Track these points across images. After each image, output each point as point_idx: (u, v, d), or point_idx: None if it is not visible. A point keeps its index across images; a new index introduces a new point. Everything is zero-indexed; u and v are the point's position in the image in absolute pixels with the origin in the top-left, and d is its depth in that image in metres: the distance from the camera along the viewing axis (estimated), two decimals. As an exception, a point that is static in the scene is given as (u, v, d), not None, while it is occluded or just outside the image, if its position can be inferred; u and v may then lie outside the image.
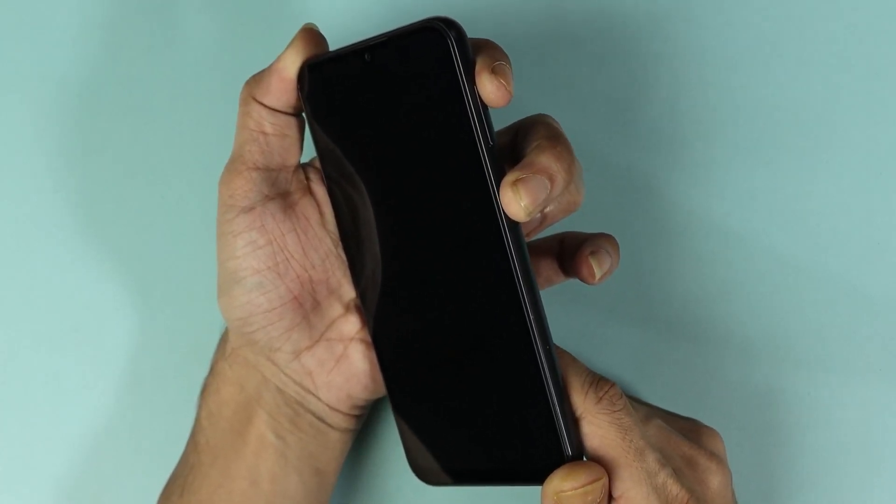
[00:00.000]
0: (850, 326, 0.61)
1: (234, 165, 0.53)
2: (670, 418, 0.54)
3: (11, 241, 0.67)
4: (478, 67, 0.47)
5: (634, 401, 0.53)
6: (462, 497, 0.61)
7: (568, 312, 0.62)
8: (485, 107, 0.48)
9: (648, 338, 0.62)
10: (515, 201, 0.47)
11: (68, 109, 0.67)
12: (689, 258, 0.62)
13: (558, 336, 0.50)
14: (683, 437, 0.52)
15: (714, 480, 0.51)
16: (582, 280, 0.55)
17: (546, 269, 0.57)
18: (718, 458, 0.52)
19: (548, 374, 0.48)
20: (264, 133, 0.53)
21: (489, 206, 0.48)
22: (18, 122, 0.67)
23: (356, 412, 0.58)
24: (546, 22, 0.55)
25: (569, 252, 0.56)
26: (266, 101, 0.52)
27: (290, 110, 0.53)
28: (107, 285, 0.67)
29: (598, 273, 0.55)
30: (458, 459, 0.52)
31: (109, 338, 0.66)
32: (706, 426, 0.54)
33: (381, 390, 0.57)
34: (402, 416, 0.54)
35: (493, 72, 0.47)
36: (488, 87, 0.47)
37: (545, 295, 0.51)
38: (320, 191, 0.55)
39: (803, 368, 0.61)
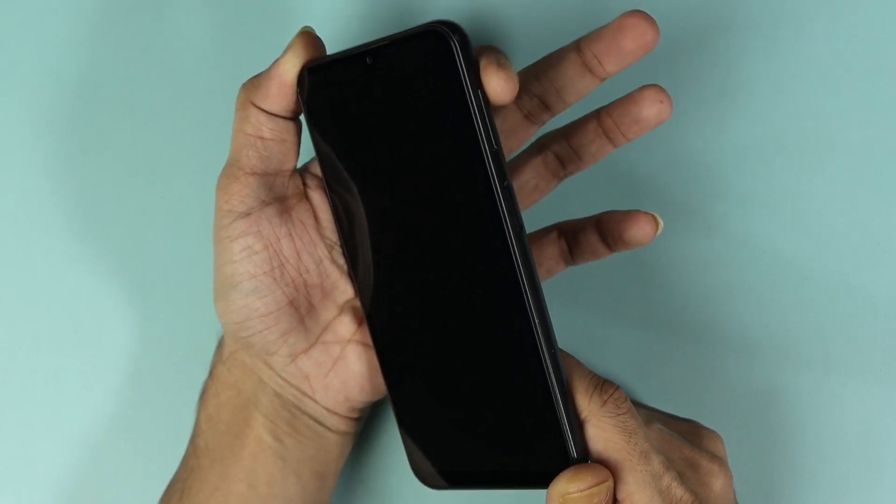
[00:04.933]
0: (850, 326, 0.61)
1: (232, 171, 0.53)
2: (671, 421, 0.54)
3: (11, 241, 0.67)
4: (483, 63, 0.47)
5: (635, 404, 0.53)
6: (464, 498, 0.61)
7: (569, 312, 0.62)
8: (489, 111, 0.47)
9: (649, 338, 0.62)
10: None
11: (67, 110, 0.67)
12: (689, 258, 0.62)
13: (560, 336, 0.50)
14: (684, 440, 0.52)
15: (716, 483, 0.51)
16: (636, 242, 0.55)
17: (547, 260, 0.58)
18: (720, 461, 0.52)
19: (552, 378, 0.48)
20: (262, 138, 0.53)
21: (493, 211, 0.48)
22: (17, 123, 0.67)
23: (354, 415, 0.58)
24: (546, 23, 0.55)
25: (585, 230, 0.56)
26: (265, 106, 0.52)
27: (288, 114, 0.53)
28: (107, 285, 0.66)
29: (660, 222, 0.55)
30: (462, 462, 0.52)
31: (109, 338, 0.66)
32: (707, 428, 0.54)
33: (379, 393, 0.57)
34: (405, 418, 0.54)
35: (499, 66, 0.47)
36: (494, 81, 0.47)
37: (547, 290, 0.51)
38: (316, 195, 0.55)
39: (803, 368, 0.61)
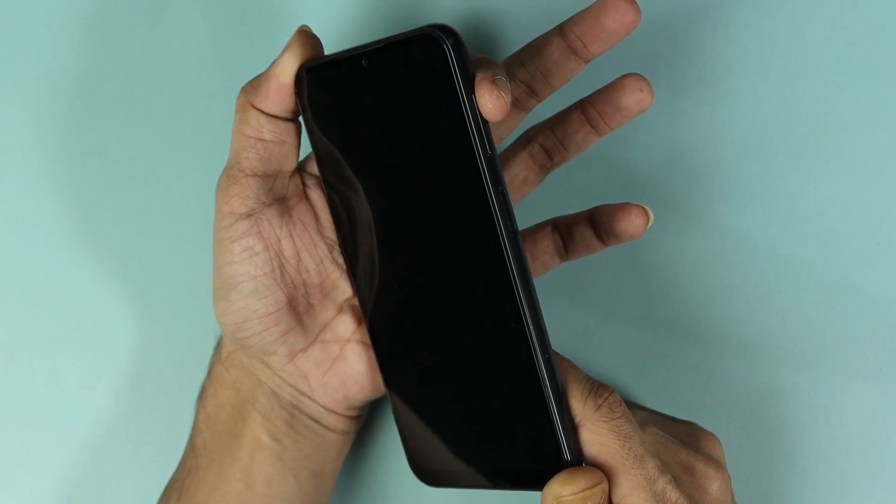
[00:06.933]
0: (850, 326, 0.61)
1: (232, 172, 0.53)
2: (668, 423, 0.54)
3: (11, 242, 0.67)
4: (478, 78, 0.47)
5: (632, 406, 0.53)
6: (462, 499, 0.61)
7: (567, 312, 0.62)
8: (484, 117, 0.47)
9: (648, 338, 0.62)
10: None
11: (67, 110, 0.67)
12: (688, 257, 0.62)
13: (558, 336, 0.50)
14: (681, 443, 0.52)
15: (713, 486, 0.51)
16: (627, 234, 0.55)
17: (542, 255, 0.58)
18: (717, 463, 0.51)
19: (547, 381, 0.48)
20: (263, 140, 0.53)
21: (487, 214, 0.48)
22: (17, 123, 0.67)
23: (353, 413, 0.58)
24: (544, 24, 0.55)
25: (579, 224, 0.57)
26: (265, 108, 0.52)
27: (288, 115, 0.53)
28: (107, 286, 0.67)
29: (651, 215, 0.55)
30: (459, 462, 0.52)
31: (109, 338, 0.66)
32: (704, 430, 0.54)
33: (378, 391, 0.57)
34: (403, 418, 0.54)
35: (493, 84, 0.47)
36: (487, 98, 0.47)
37: (545, 289, 0.51)
38: (316, 195, 0.55)
39: (803, 368, 0.61)
